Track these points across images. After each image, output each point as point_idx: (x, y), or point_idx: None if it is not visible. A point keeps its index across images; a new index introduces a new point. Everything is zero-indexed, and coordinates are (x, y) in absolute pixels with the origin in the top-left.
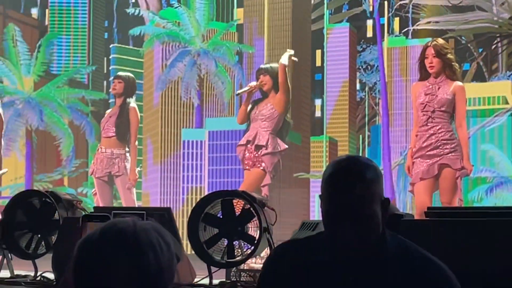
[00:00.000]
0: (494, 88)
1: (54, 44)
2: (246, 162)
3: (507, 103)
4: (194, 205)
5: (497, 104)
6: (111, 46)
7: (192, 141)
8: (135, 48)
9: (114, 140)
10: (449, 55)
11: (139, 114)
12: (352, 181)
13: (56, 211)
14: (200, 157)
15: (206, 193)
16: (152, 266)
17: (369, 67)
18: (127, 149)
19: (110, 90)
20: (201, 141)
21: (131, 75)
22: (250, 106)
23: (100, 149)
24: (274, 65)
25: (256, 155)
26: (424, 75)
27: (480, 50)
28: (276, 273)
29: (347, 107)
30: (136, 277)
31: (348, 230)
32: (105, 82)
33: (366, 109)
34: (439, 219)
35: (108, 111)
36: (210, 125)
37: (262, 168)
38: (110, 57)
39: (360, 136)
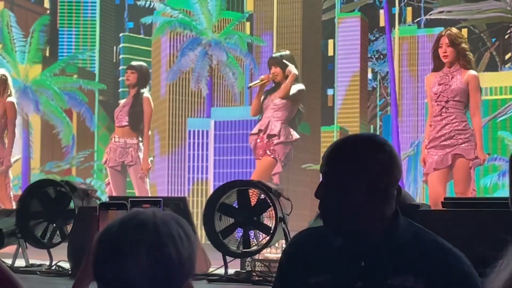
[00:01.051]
0: (506, 78)
1: (47, 29)
2: (257, 151)
3: None
4: (199, 195)
5: (509, 94)
6: (120, 35)
7: (198, 131)
8: (146, 37)
9: (128, 129)
10: (463, 45)
11: (152, 104)
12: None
13: (72, 201)
14: (206, 147)
15: (211, 183)
16: (173, 257)
17: (381, 56)
18: (140, 138)
19: (122, 79)
20: (206, 131)
21: (144, 64)
22: (263, 96)
23: (113, 139)
24: (285, 53)
25: (268, 144)
26: (438, 64)
27: (493, 40)
28: (295, 260)
29: (358, 97)
30: (157, 269)
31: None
32: (116, 72)
33: (377, 99)
34: (456, 209)
35: (122, 101)
36: (216, 115)
37: (273, 156)
38: (120, 46)
39: (371, 126)
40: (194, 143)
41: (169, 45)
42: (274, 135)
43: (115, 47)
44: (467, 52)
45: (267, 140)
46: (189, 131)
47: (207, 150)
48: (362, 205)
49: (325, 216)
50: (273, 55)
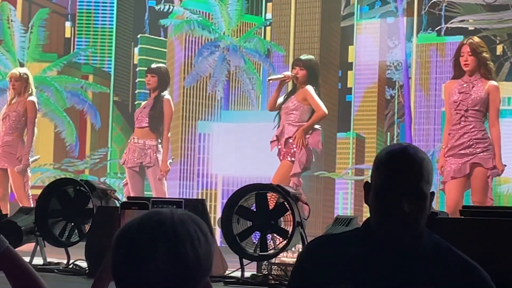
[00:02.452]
0: None
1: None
2: (280, 157)
3: None
4: (208, 199)
5: None
6: (138, 36)
7: (208, 134)
8: (164, 39)
9: (147, 130)
10: (484, 54)
11: (173, 106)
12: (412, 161)
13: (90, 200)
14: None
15: (220, 188)
16: (190, 257)
17: (400, 64)
18: (159, 140)
19: (139, 80)
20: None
21: (163, 66)
22: (282, 99)
23: (132, 140)
24: (312, 58)
25: (287, 148)
26: (458, 73)
27: None
28: (314, 266)
29: (375, 104)
30: (174, 268)
31: (406, 205)
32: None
33: (396, 106)
34: (474, 217)
35: (142, 102)
36: (226, 118)
37: (291, 160)
38: (137, 47)
39: (388, 133)
40: (204, 146)
41: (184, 47)
42: (290, 138)
43: (132, 49)
44: (488, 62)
45: (285, 144)
46: (199, 134)
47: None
48: (427, 210)
49: (395, 223)
50: (301, 57)
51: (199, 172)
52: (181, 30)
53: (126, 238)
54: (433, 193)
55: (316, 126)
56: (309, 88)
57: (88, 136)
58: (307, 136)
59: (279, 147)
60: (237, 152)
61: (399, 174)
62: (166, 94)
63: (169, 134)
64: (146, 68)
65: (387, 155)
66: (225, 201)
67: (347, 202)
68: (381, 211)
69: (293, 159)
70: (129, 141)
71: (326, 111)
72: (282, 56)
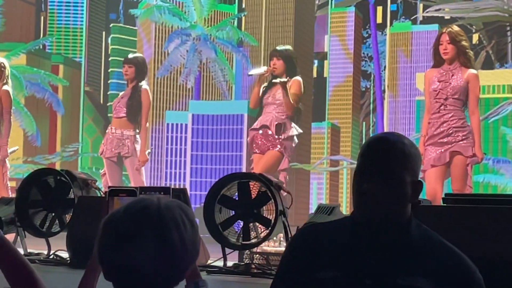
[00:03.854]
0: (499, 76)
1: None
2: (258, 146)
3: None
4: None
5: (502, 93)
6: (111, 25)
7: (176, 124)
8: (136, 28)
9: (125, 121)
10: (463, 42)
11: (151, 96)
12: (387, 143)
13: (71, 190)
14: (185, 141)
15: (188, 179)
16: (176, 242)
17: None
18: (137, 130)
19: (111, 70)
20: (185, 125)
21: (140, 56)
22: (261, 91)
23: (110, 129)
24: (290, 49)
25: (275, 139)
26: (438, 61)
27: (489, 38)
28: (302, 254)
29: (351, 93)
30: (160, 253)
31: (374, 184)
32: (102, 61)
33: (371, 96)
34: (457, 205)
35: (120, 93)
36: (194, 108)
37: (279, 151)
38: (110, 37)
39: (364, 123)
40: (172, 137)
41: (153, 36)
42: (280, 128)
43: (104, 38)
44: (467, 50)
45: (273, 134)
46: (168, 125)
47: (185, 144)
48: (407, 196)
49: (365, 204)
50: (278, 47)
51: (167, 163)
52: (150, 15)
53: (112, 224)
54: (419, 182)
55: (293, 134)
56: (300, 81)
57: (58, 127)
58: (284, 137)
59: (261, 136)
60: (206, 143)
61: (369, 155)
62: (144, 84)
63: (148, 124)
64: (118, 58)
65: (367, 141)
66: (193, 192)
67: (321, 193)
68: (353, 193)
69: (280, 150)
70: (107, 131)
71: (295, 106)
72: (255, 46)
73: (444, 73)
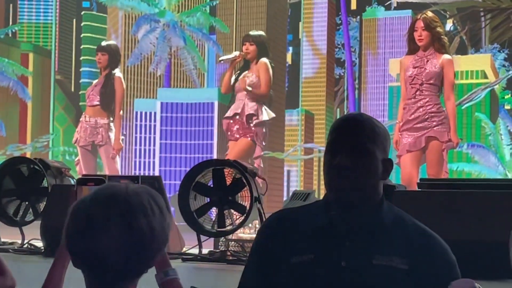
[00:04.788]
0: (473, 62)
1: None
2: (233, 134)
3: (486, 77)
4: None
5: (475, 78)
6: (82, 13)
7: (145, 113)
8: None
9: (99, 109)
10: (438, 28)
11: (124, 84)
12: (358, 123)
13: (45, 179)
14: (154, 130)
15: (157, 169)
16: (144, 228)
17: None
18: (111, 118)
19: (83, 58)
20: (154, 113)
21: (113, 43)
22: (233, 78)
23: (84, 118)
24: (262, 34)
25: (246, 125)
26: (412, 48)
27: (463, 24)
28: (275, 239)
29: (325, 80)
30: (127, 240)
31: (346, 158)
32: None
33: (346, 83)
34: (432, 190)
35: (94, 81)
36: (163, 96)
37: (251, 138)
38: (82, 24)
39: (338, 110)
40: (141, 125)
41: (124, 23)
42: (252, 115)
43: (75, 26)
44: (442, 36)
45: (245, 122)
46: (136, 113)
47: (154, 133)
48: (378, 172)
49: (338, 177)
50: (250, 32)
51: (136, 152)
52: (117, 1)
53: (79, 211)
54: (389, 161)
55: (265, 119)
56: (266, 62)
57: (29, 116)
58: (255, 123)
59: (233, 123)
60: (175, 131)
61: (341, 132)
62: (117, 72)
63: (121, 112)
64: (90, 46)
65: (337, 121)
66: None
67: (296, 180)
68: (325, 170)
69: (251, 137)
70: (80, 119)
71: (268, 92)
72: (226, 33)
73: (419, 59)
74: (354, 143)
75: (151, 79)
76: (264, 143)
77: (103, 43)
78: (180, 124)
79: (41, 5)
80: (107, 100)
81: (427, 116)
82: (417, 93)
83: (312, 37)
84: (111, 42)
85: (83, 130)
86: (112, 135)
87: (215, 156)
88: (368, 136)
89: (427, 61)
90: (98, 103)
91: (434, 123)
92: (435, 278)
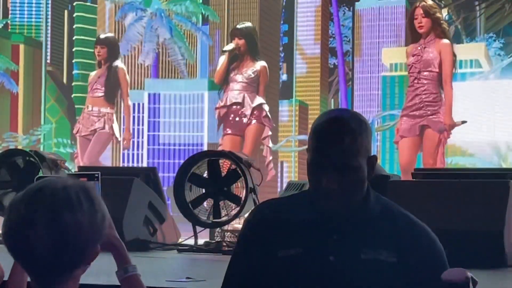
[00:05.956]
0: (466, 51)
1: None
2: (231, 125)
3: (480, 67)
4: None
5: (469, 68)
6: (75, 4)
7: (133, 104)
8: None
9: (102, 99)
10: (437, 14)
11: (127, 74)
12: (339, 131)
13: (40, 170)
14: (142, 121)
15: (145, 161)
16: (69, 224)
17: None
18: (114, 109)
19: (76, 49)
20: (142, 104)
21: (111, 35)
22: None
23: (86, 108)
24: (250, 26)
25: (246, 114)
26: (415, 36)
27: (458, 13)
28: (261, 232)
29: (319, 70)
30: (52, 236)
31: (332, 180)
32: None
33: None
34: (425, 180)
35: (93, 73)
36: (150, 87)
37: (258, 122)
38: (74, 15)
39: (333, 100)
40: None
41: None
42: (260, 105)
43: (66, 17)
44: (442, 21)
45: (253, 111)
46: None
47: (142, 124)
48: (365, 179)
49: (326, 198)
50: (238, 26)
51: (123, 143)
52: None
53: (11, 206)
54: (373, 157)
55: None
56: (266, 66)
57: (20, 108)
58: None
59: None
60: (164, 123)
61: (326, 148)
62: (119, 63)
63: (130, 102)
64: (83, 37)
65: (318, 126)
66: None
67: (290, 171)
68: (313, 186)
69: (262, 121)
70: (82, 110)
71: (264, 96)
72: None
73: (418, 47)
74: (339, 162)
75: (138, 69)
76: (272, 122)
77: (102, 36)
78: (168, 116)
79: None
80: (111, 91)
81: (422, 105)
82: (415, 81)
83: (305, 26)
84: (109, 34)
85: (85, 119)
86: (115, 126)
87: (205, 148)
88: (352, 150)
89: (425, 47)
90: (102, 94)
91: (429, 113)
92: (423, 269)
